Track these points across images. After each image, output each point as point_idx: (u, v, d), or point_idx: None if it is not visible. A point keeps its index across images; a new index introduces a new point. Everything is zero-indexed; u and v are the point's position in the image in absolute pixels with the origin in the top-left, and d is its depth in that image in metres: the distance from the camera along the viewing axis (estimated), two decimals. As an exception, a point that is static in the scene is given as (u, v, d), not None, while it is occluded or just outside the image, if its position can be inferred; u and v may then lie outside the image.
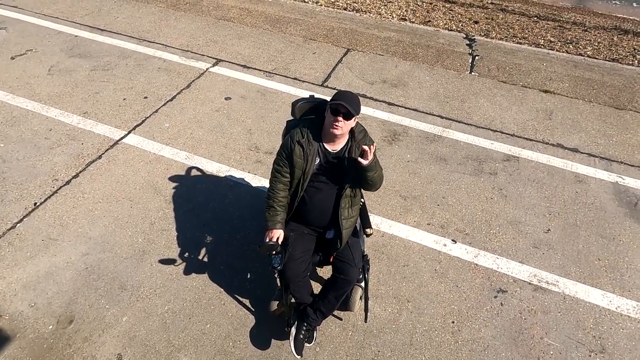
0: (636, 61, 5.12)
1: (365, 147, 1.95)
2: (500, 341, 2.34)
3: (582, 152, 3.61)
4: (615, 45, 5.52)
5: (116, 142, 3.49)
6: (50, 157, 3.32)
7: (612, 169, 3.46)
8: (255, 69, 4.45)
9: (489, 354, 2.28)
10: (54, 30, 4.90)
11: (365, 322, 2.34)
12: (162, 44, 4.77)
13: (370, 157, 1.95)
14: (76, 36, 4.82)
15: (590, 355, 2.29)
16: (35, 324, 2.33)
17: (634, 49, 5.43)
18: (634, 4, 7.47)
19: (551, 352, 2.30)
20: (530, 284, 2.62)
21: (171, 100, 3.97)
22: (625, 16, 6.87)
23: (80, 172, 3.22)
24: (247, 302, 2.48)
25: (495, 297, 2.55)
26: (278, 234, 2.06)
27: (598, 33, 5.86)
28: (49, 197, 3.01)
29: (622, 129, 3.89)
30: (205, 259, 2.69)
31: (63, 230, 2.80)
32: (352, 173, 2.05)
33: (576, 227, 2.97)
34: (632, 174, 3.42)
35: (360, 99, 2.10)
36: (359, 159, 1.95)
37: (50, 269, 2.59)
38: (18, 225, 2.82)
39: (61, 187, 3.09)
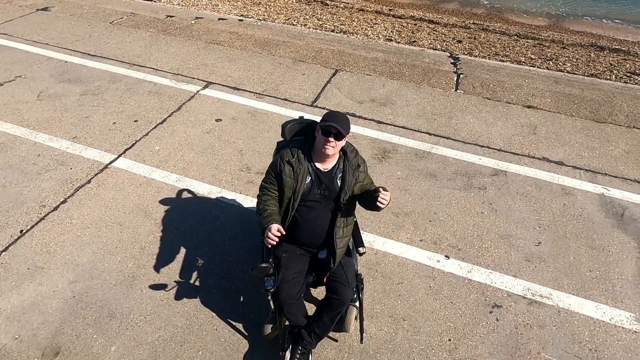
0: (613, 76, 5.33)
1: (383, 196, 1.96)
2: (497, 358, 2.32)
3: (567, 165, 3.70)
4: (593, 61, 5.76)
5: (106, 166, 3.46)
6: (38, 182, 3.28)
7: (597, 180, 3.54)
8: (246, 90, 4.51)
9: (487, 371, 2.26)
10: (43, 57, 4.93)
11: (361, 343, 2.30)
12: (153, 68, 4.82)
13: (386, 203, 1.98)
14: (66, 62, 4.85)
15: (587, 369, 2.28)
16: (19, 357, 2.24)
17: (611, 65, 5.66)
18: (603, 20, 7.84)
19: (549, 367, 2.29)
20: (524, 297, 2.62)
21: (162, 123, 3.98)
22: (600, 33, 7.20)
23: (69, 197, 3.18)
24: (240, 326, 2.42)
25: (491, 312, 2.54)
26: (278, 227, 1.95)
27: (576, 50, 6.12)
28: (36, 223, 2.96)
29: (604, 142, 4.01)
30: (197, 283, 2.64)
31: (50, 257, 2.74)
32: (350, 195, 2.09)
33: (566, 239, 3.01)
34: (617, 185, 3.50)
35: (350, 117, 2.14)
36: (378, 203, 1.98)
37: (35, 298, 2.51)
38: (3, 253, 2.75)
39: (49, 213, 3.04)
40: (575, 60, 5.74)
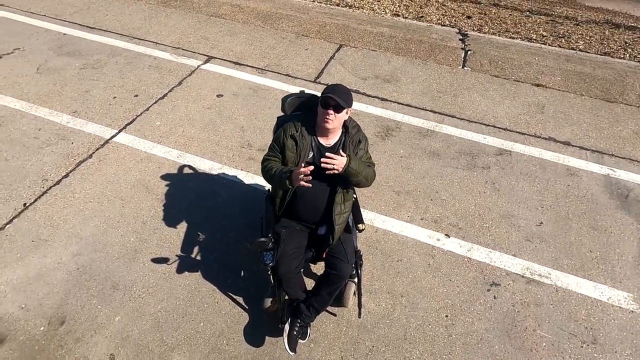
0: (627, 55, 5.15)
1: (327, 157, 1.86)
2: (493, 334, 2.35)
3: (573, 145, 3.63)
4: (607, 39, 5.55)
5: (107, 141, 3.45)
6: (39, 157, 3.28)
7: (604, 161, 3.48)
8: (248, 65, 4.42)
9: (482, 347, 2.30)
10: (42, 29, 4.83)
11: (359, 317, 2.34)
12: (153, 42, 4.71)
13: (337, 166, 1.88)
14: (65, 34, 4.76)
15: (582, 347, 2.31)
16: (25, 325, 2.30)
17: (625, 43, 5.46)
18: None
19: (544, 344, 2.32)
20: (523, 276, 2.63)
21: (162, 98, 3.93)
22: (616, 9, 6.91)
23: (71, 171, 3.18)
24: (240, 299, 2.47)
25: (489, 290, 2.56)
26: (302, 167, 1.85)
27: (590, 27, 5.89)
28: (39, 197, 2.98)
29: (613, 122, 3.92)
30: (198, 257, 2.67)
31: (53, 230, 2.77)
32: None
33: (568, 220, 2.99)
34: (623, 167, 3.44)
35: (353, 94, 2.09)
36: (331, 171, 1.87)
37: (40, 270, 2.56)
38: (7, 226, 2.78)
39: (51, 187, 3.06)
40: (588, 38, 5.53)
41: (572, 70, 4.59)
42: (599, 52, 5.17)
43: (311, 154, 2.04)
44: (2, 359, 2.17)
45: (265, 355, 2.23)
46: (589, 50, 5.20)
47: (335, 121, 1.96)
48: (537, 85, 4.36)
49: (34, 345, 2.23)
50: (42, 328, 2.30)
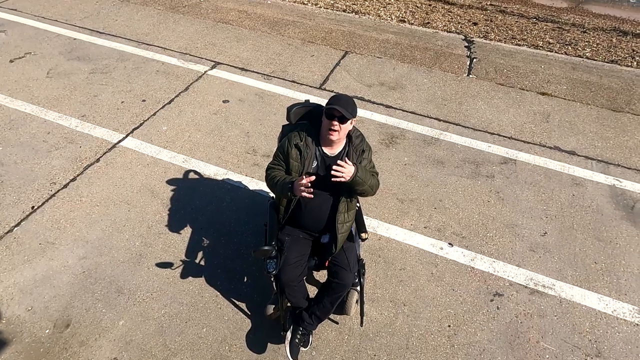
0: (635, 63, 5.12)
1: (338, 165, 1.88)
2: (496, 345, 2.34)
3: (579, 155, 3.61)
4: (614, 46, 5.52)
5: (114, 145, 3.50)
6: (48, 160, 3.33)
7: (609, 171, 3.46)
8: (254, 71, 4.46)
9: (484, 357, 2.29)
10: (52, 33, 4.92)
11: (361, 326, 2.34)
12: (161, 47, 4.78)
13: (346, 175, 1.90)
14: (75, 39, 4.84)
15: (586, 359, 2.29)
16: (31, 327, 2.34)
17: (633, 51, 5.43)
18: (630, 0, 7.47)
19: (547, 356, 2.30)
20: (526, 287, 2.62)
21: (169, 103, 3.98)
22: (624, 16, 6.88)
23: (78, 175, 3.23)
24: (243, 306, 2.48)
25: (492, 300, 2.55)
26: (303, 177, 1.88)
27: (597, 34, 5.87)
28: (47, 200, 3.02)
29: (619, 132, 3.89)
30: (202, 263, 2.69)
31: (60, 233, 2.81)
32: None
33: (573, 231, 2.97)
34: (629, 177, 3.42)
35: (358, 101, 2.12)
36: (339, 179, 1.89)
37: (47, 272, 2.59)
38: (15, 228, 2.83)
39: (59, 190, 3.10)
40: (595, 46, 5.51)
41: (578, 78, 4.58)
42: (606, 60, 5.15)
43: (315, 164, 2.06)
44: (9, 361, 2.20)
45: (267, 362, 2.24)
46: (595, 58, 5.19)
47: (340, 132, 1.98)
48: (543, 93, 4.35)
49: (39, 348, 2.26)
50: (47, 331, 2.33)
